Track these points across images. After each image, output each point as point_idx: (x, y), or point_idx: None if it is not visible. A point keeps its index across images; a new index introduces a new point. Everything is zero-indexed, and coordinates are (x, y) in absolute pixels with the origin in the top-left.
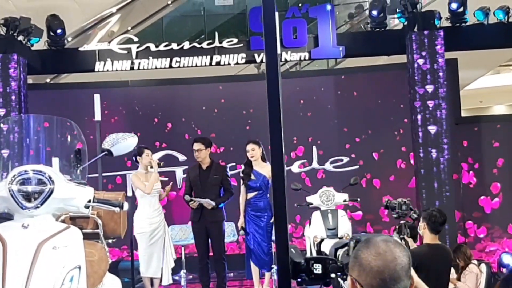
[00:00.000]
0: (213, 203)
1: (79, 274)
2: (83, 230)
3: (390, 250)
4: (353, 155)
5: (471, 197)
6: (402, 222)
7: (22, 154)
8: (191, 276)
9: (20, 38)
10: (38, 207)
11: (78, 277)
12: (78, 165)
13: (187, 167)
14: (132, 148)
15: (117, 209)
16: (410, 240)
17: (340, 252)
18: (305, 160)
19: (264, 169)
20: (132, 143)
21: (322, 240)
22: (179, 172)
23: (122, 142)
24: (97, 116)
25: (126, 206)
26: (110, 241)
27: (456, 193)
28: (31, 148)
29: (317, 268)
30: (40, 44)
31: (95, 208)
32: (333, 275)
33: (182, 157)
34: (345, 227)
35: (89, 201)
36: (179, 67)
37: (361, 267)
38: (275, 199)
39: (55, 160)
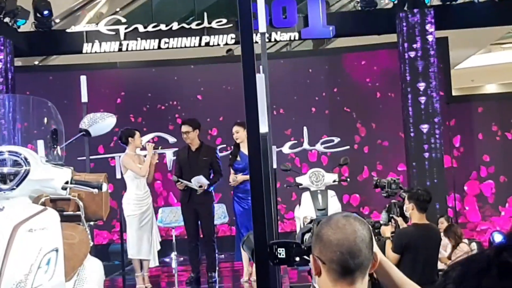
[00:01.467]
0: (201, 181)
1: (57, 256)
2: (64, 213)
3: (350, 224)
4: (343, 136)
5: (462, 177)
6: (392, 201)
7: None
8: (181, 258)
9: (6, 20)
10: (13, 188)
11: (56, 260)
12: (55, 146)
13: (177, 149)
14: (110, 128)
15: (95, 190)
16: (399, 219)
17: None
18: (296, 141)
19: None
20: (111, 123)
21: (312, 220)
22: (169, 154)
23: (100, 122)
24: (84, 98)
25: (105, 187)
26: (91, 223)
27: (447, 172)
28: (6, 129)
29: (281, 253)
30: (27, 26)
31: (76, 190)
32: (297, 259)
33: (172, 139)
34: (335, 208)
35: (67, 183)
36: (168, 48)
37: (321, 243)
38: (252, 179)
39: (40, 143)
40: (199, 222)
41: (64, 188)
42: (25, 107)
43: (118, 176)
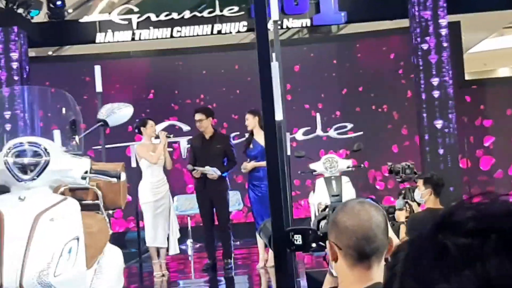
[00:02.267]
0: (216, 172)
1: (78, 245)
2: (83, 202)
3: (365, 210)
4: (357, 121)
5: (475, 161)
6: (407, 186)
7: (17, 126)
8: (197, 246)
9: (20, 10)
10: (34, 179)
11: (77, 248)
12: (74, 136)
13: (191, 137)
14: (127, 118)
15: (114, 179)
16: (414, 204)
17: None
18: (309, 128)
19: (261, 138)
20: (128, 113)
21: (326, 206)
22: (183, 143)
23: (118, 112)
24: (98, 88)
25: (123, 176)
26: (110, 212)
27: (461, 157)
28: (26, 120)
29: (297, 239)
30: (40, 16)
31: (94, 179)
32: (314, 245)
33: (185, 127)
34: (349, 194)
35: (86, 172)
36: (180, 36)
37: (337, 229)
38: (269, 167)
39: (57, 133)
40: (214, 209)
41: (83, 178)
42: (44, 98)
43: (134, 164)
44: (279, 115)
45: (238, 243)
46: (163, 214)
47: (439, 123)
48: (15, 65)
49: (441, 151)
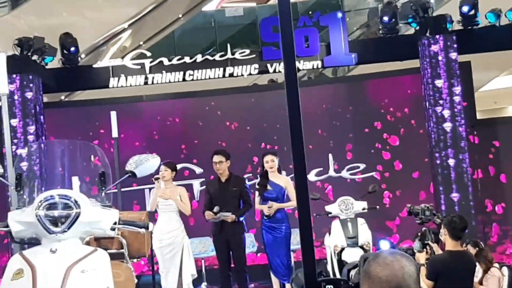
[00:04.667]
0: (231, 216)
1: None
2: (108, 251)
3: (397, 260)
4: (369, 162)
5: (489, 200)
6: (424, 228)
7: (48, 179)
8: None
9: (35, 57)
10: (65, 231)
11: None
12: (103, 188)
13: (204, 179)
14: (155, 169)
15: (143, 230)
16: (434, 246)
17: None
18: (322, 168)
19: (281, 179)
20: (155, 164)
21: (342, 249)
22: (196, 185)
23: (145, 163)
24: (114, 133)
25: (151, 226)
26: (135, 260)
27: (474, 197)
28: (56, 173)
29: None
30: (54, 62)
31: (122, 229)
32: None
33: (198, 170)
34: (365, 236)
35: (115, 223)
36: (192, 80)
37: (370, 279)
38: (300, 210)
39: (75, 179)
40: (230, 252)
41: (112, 229)
42: (73, 151)
43: (148, 208)
44: None
45: (252, 285)
46: (174, 259)
47: (451, 163)
48: (30, 111)
49: (454, 191)
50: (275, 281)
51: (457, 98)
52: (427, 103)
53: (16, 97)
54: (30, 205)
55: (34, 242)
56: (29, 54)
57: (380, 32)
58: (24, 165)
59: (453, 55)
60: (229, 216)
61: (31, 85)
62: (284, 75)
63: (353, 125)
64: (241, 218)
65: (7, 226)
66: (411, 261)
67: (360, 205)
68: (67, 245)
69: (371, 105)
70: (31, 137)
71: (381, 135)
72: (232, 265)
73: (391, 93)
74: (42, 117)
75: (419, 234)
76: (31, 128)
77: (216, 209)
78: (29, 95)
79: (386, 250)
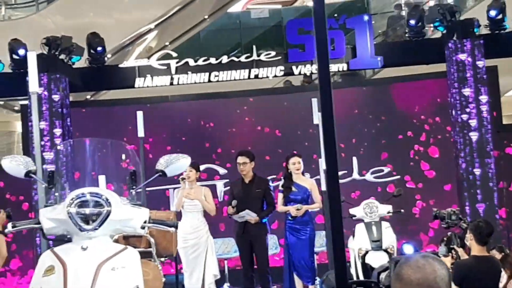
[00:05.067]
0: (252, 215)
1: None
2: (136, 249)
3: (429, 263)
4: (392, 164)
5: None
6: (450, 232)
7: (79, 177)
8: None
9: (62, 56)
10: (96, 229)
11: None
12: (133, 187)
13: (227, 180)
14: (184, 169)
15: (172, 229)
16: (460, 250)
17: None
18: (346, 171)
19: (306, 181)
20: (185, 163)
21: (366, 252)
22: (220, 186)
23: (176, 163)
24: (140, 133)
25: (183, 224)
26: (162, 259)
27: (499, 202)
28: (87, 171)
29: None
30: (80, 62)
31: (151, 228)
32: None
33: (222, 171)
34: (389, 239)
35: (145, 222)
36: (217, 81)
37: (402, 282)
38: (333, 220)
39: (102, 178)
40: (253, 254)
41: (142, 227)
42: (104, 150)
43: (173, 208)
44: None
45: (275, 286)
46: (198, 259)
47: (477, 168)
48: (57, 109)
49: (479, 197)
50: (298, 283)
51: (484, 107)
52: (453, 110)
53: (43, 95)
54: (62, 202)
55: (62, 238)
56: (57, 53)
57: (406, 35)
58: (56, 162)
59: (480, 59)
60: (253, 217)
61: (58, 84)
62: (318, 78)
63: (377, 128)
64: (264, 220)
65: (39, 223)
66: (443, 264)
67: (385, 209)
68: (97, 242)
69: (396, 109)
70: (57, 136)
71: (406, 139)
72: (255, 266)
73: (416, 96)
74: (68, 116)
75: (445, 238)
76: (58, 127)
77: (234, 203)
78: (56, 94)
79: (418, 253)
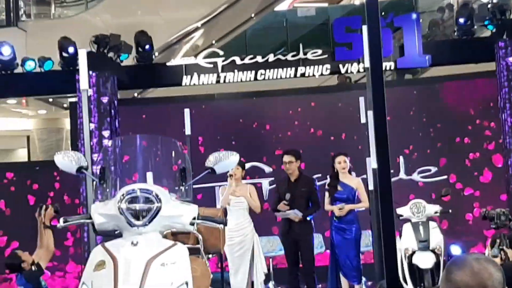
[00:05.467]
0: (298, 214)
1: None
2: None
3: (484, 268)
4: (441, 165)
5: None
6: (498, 233)
7: (130, 173)
8: None
9: (110, 54)
10: (146, 224)
11: None
12: (183, 183)
13: (273, 178)
14: (233, 166)
15: (221, 225)
16: (509, 251)
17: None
18: (392, 171)
19: (352, 180)
20: (234, 161)
21: (413, 252)
22: (266, 184)
23: (225, 160)
24: (187, 131)
25: (229, 222)
26: (210, 256)
27: None
28: (137, 167)
29: None
30: (128, 60)
31: (200, 225)
32: None
33: (268, 169)
34: (437, 239)
35: (194, 218)
36: (264, 79)
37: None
38: (383, 213)
39: (150, 175)
40: (299, 252)
41: (191, 224)
42: (154, 146)
43: (218, 206)
44: (374, 163)
45: (320, 286)
46: (244, 257)
47: None
48: (106, 107)
49: None
50: (344, 282)
51: None
52: (502, 107)
53: (91, 93)
54: (112, 198)
55: (110, 234)
56: (105, 51)
57: (455, 34)
58: (105, 159)
59: None
60: (297, 215)
61: (107, 81)
62: (370, 76)
63: (424, 127)
64: (309, 218)
65: (90, 218)
66: (497, 266)
67: (433, 209)
68: (147, 238)
69: (445, 108)
70: (105, 133)
71: (454, 138)
72: (300, 266)
73: (465, 96)
74: (116, 113)
75: (495, 240)
76: (106, 124)
77: (287, 196)
78: (105, 91)
79: (470, 256)
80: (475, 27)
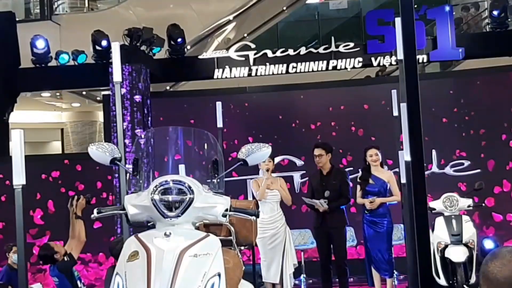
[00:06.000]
0: (323, 205)
1: (219, 281)
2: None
3: None
4: (474, 159)
5: None
6: None
7: (163, 165)
8: (310, 281)
9: (143, 48)
10: (179, 216)
11: (218, 285)
12: (216, 175)
13: (304, 171)
14: (265, 158)
15: (253, 217)
16: None
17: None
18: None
19: (384, 174)
20: (267, 153)
21: (446, 246)
22: (297, 177)
23: (257, 152)
24: (219, 123)
25: (261, 214)
26: (242, 248)
27: None
28: (170, 159)
29: None
30: (161, 53)
31: (232, 217)
32: None
33: (299, 162)
34: (469, 233)
35: (226, 210)
36: (295, 72)
37: (488, 280)
38: (417, 207)
39: (182, 167)
40: (331, 245)
41: (224, 216)
42: (187, 138)
43: (250, 198)
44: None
45: (351, 279)
46: (277, 249)
47: None
48: (139, 100)
49: None
50: (375, 276)
51: None
52: None
53: (124, 85)
54: (145, 189)
55: (146, 225)
56: (138, 44)
57: (489, 26)
58: (137, 150)
59: None
60: (322, 205)
61: (139, 74)
62: (404, 68)
63: (458, 121)
64: (343, 207)
65: (123, 209)
66: None
67: (466, 202)
68: (180, 229)
69: (478, 101)
70: (138, 125)
71: (487, 132)
72: (333, 258)
73: (498, 89)
74: (149, 105)
75: None
76: (139, 117)
77: (327, 193)
78: (138, 84)
79: (505, 248)
80: (509, 19)
